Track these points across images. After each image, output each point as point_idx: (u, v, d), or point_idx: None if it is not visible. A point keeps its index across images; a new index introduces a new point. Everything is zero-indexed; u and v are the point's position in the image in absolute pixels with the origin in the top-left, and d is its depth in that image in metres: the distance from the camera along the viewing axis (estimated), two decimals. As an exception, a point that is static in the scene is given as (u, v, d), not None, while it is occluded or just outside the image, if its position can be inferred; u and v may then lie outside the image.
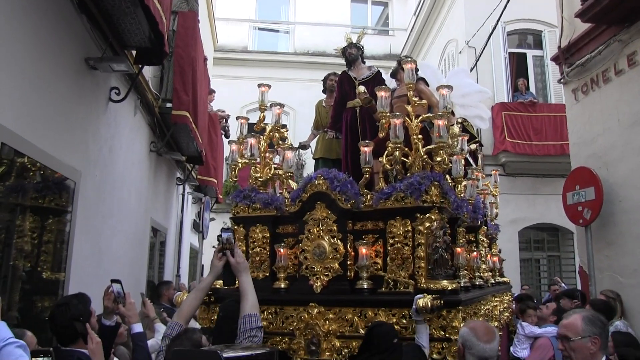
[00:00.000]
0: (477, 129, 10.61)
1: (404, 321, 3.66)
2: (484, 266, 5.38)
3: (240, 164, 4.63)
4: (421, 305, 3.42)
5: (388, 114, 4.24)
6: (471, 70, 11.08)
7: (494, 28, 10.08)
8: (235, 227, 4.48)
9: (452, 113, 5.23)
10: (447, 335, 3.55)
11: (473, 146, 6.39)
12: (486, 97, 8.24)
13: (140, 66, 5.49)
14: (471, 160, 6.34)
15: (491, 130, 11.13)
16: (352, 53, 6.32)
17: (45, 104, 3.86)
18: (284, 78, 14.90)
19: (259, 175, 4.55)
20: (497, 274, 6.20)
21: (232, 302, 3.94)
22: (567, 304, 6.37)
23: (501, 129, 10.93)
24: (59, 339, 2.97)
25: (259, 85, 4.77)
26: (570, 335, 2.63)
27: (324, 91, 7.10)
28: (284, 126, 4.90)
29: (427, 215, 3.82)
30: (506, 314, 6.02)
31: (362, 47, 6.44)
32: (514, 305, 6.40)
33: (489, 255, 5.83)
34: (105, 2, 4.29)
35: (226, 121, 10.41)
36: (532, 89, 11.74)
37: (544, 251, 11.84)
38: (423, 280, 3.75)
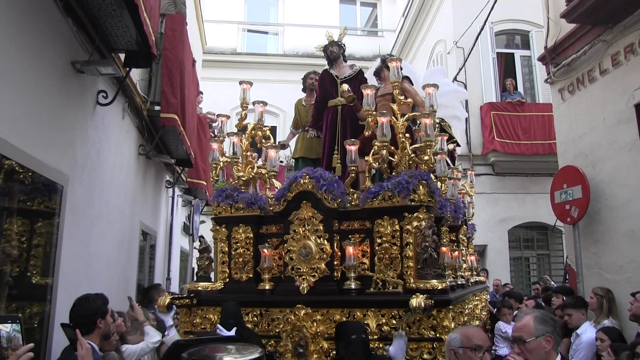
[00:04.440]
0: (467, 129, 10.72)
1: (394, 321, 3.66)
2: (464, 265, 5.42)
3: (221, 163, 4.60)
4: (414, 305, 3.42)
5: (374, 112, 4.25)
6: (459, 71, 11.15)
7: (482, 28, 10.14)
8: (218, 227, 4.45)
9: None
10: (437, 335, 3.56)
11: (451, 146, 6.42)
12: (463, 97, 8.27)
13: (127, 69, 5.47)
14: (449, 160, 6.38)
15: (480, 130, 11.21)
16: (334, 51, 6.28)
17: (32, 108, 3.84)
18: (273, 80, 14.91)
19: (241, 174, 4.52)
20: (475, 273, 6.24)
21: (232, 303, 3.95)
22: (559, 300, 6.43)
23: (490, 129, 11.00)
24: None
25: (241, 83, 4.74)
26: (525, 337, 2.65)
27: (303, 90, 7.07)
28: (266, 125, 4.85)
29: (415, 214, 3.83)
30: (484, 313, 6.06)
31: (344, 45, 6.40)
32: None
33: (467, 255, 5.88)
34: (91, 5, 4.27)
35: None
36: (520, 88, 11.84)
37: (534, 249, 11.91)
38: (412, 280, 3.75)
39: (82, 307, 3.33)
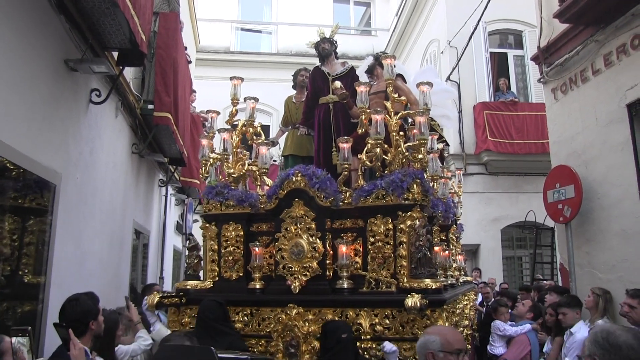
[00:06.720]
0: (460, 129, 10.74)
1: (387, 321, 3.63)
2: (454, 265, 5.42)
3: (211, 160, 4.55)
4: (410, 304, 3.40)
5: (368, 109, 4.23)
6: (453, 70, 11.17)
7: (475, 28, 10.16)
8: (207, 225, 4.41)
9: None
10: (431, 336, 3.55)
11: (440, 145, 6.43)
12: (452, 97, 8.27)
13: (121, 67, 5.45)
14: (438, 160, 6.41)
15: (473, 129, 11.24)
16: (326, 48, 6.22)
17: (24, 106, 3.82)
18: (266, 79, 14.85)
19: (231, 171, 4.48)
20: (463, 272, 6.24)
21: (211, 302, 3.90)
22: (553, 299, 6.45)
23: (483, 128, 11.03)
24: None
25: (231, 79, 4.69)
26: (580, 353, 2.50)
27: (294, 87, 7.03)
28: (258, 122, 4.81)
29: (409, 213, 3.81)
30: (471, 313, 6.08)
31: (336, 42, 6.34)
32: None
33: (456, 254, 5.90)
34: (84, 2, 4.25)
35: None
36: (513, 88, 11.88)
37: (526, 249, 11.94)
38: (405, 280, 3.73)
39: (73, 310, 3.18)
